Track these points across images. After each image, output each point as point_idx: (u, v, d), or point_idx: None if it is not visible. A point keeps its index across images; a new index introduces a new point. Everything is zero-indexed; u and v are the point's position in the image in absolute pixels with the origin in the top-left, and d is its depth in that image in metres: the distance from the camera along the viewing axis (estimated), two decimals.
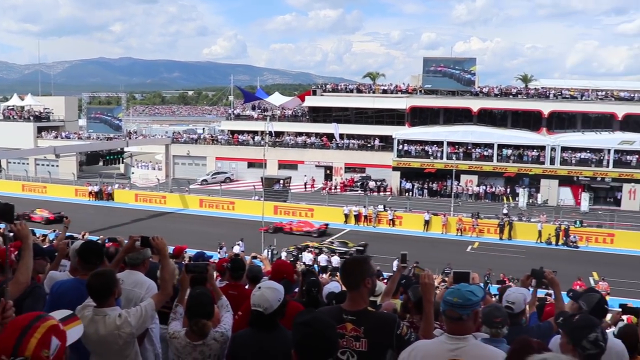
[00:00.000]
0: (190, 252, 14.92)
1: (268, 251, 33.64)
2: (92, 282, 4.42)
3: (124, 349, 4.44)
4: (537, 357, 1.65)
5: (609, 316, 6.44)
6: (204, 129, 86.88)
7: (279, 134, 64.28)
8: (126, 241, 5.75)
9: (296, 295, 7.07)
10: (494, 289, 21.07)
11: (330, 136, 61.79)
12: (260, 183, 51.86)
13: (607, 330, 4.14)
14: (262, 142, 59.69)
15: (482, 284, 23.36)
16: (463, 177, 55.31)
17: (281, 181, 54.16)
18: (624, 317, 7.96)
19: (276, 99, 70.38)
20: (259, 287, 4.35)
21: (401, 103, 62.67)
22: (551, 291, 6.51)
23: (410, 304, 5.60)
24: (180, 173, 65.94)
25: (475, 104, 60.68)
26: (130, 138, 70.01)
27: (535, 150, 55.11)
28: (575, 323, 3.81)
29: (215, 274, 6.46)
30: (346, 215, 45.97)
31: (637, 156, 53.14)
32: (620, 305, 6.17)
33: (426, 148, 57.12)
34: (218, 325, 4.75)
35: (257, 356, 4.19)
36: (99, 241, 9.32)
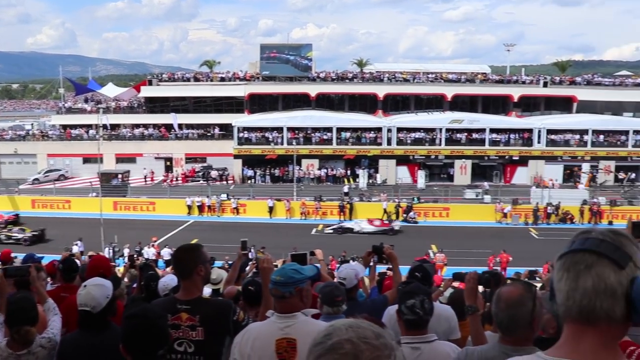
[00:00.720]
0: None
1: (109, 249, 31.74)
2: None
3: None
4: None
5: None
6: (32, 124, 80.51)
7: (114, 126, 60.99)
8: None
9: (135, 291, 7.05)
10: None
11: (168, 127, 59.62)
12: (97, 179, 49.00)
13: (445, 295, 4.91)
14: (97, 136, 56.18)
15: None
16: (304, 162, 55.45)
17: (119, 176, 51.63)
18: (455, 284, 8.61)
19: (110, 90, 66.99)
20: (85, 286, 4.13)
21: (239, 90, 61.80)
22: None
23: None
24: (7, 173, 60.55)
25: (313, 89, 61.13)
26: None
27: (372, 132, 56.40)
28: (400, 291, 4.04)
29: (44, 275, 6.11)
30: (189, 207, 44.62)
31: (466, 134, 56.08)
32: (453, 274, 5.96)
33: (266, 134, 56.61)
34: (44, 331, 4.30)
35: (88, 358, 3.92)
36: None
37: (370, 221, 40.17)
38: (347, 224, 40.20)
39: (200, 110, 62.95)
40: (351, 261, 26.91)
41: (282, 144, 55.74)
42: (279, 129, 56.27)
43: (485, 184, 50.87)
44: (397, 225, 40.27)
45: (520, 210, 43.27)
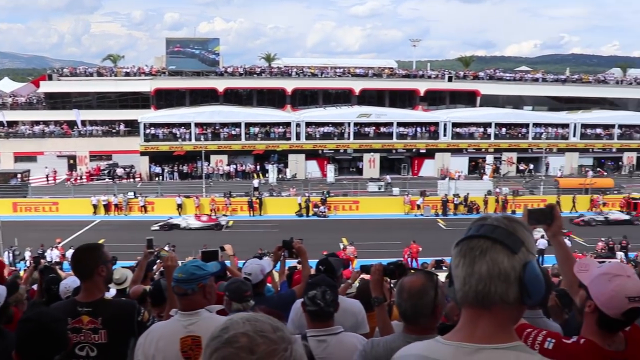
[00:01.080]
0: None
1: (9, 252, 30.32)
2: None
3: None
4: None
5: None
6: None
7: (12, 123, 58.19)
8: None
9: (35, 295, 6.80)
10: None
11: (71, 124, 57.39)
12: None
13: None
14: None
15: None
16: (213, 158, 54.68)
17: (19, 175, 49.44)
18: (364, 276, 8.37)
19: (6, 85, 64.19)
20: None
21: (145, 86, 60.20)
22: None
23: None
24: None
25: (220, 84, 60.37)
26: None
27: (281, 127, 56.32)
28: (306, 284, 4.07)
29: None
30: (95, 206, 43.16)
31: (374, 128, 56.94)
32: (361, 266, 6.16)
33: (174, 130, 55.34)
34: None
35: None
36: None
37: (198, 217, 40.16)
38: (175, 220, 39.57)
39: (105, 106, 60.74)
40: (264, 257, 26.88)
41: (190, 140, 54.74)
42: (187, 125, 55.23)
43: (388, 177, 51.88)
44: (223, 220, 40.26)
45: (430, 201, 44.43)
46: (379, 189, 48.29)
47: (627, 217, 41.98)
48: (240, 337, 1.47)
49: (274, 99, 62.55)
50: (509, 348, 1.67)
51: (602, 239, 33.90)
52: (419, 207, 43.84)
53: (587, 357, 2.47)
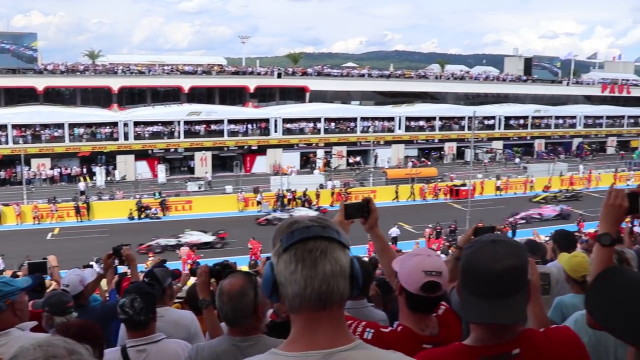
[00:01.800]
0: None
1: None
2: None
3: None
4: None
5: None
6: None
7: None
8: None
9: None
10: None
11: None
12: None
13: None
14: None
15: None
16: (34, 161, 51.30)
17: None
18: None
19: None
20: None
21: None
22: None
23: None
24: None
25: (40, 83, 56.68)
26: None
27: (108, 127, 54.10)
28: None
29: None
30: None
31: (204, 126, 56.53)
32: (190, 270, 6.10)
33: None
34: None
35: None
36: None
37: None
38: None
39: None
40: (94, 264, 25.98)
41: (7, 143, 50.96)
42: (3, 127, 51.24)
43: (208, 175, 52.01)
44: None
45: (269, 197, 45.01)
46: (199, 188, 48.05)
47: (210, 239, 35.63)
48: None
49: (99, 98, 59.92)
50: (354, 348, 1.69)
51: (430, 225, 36.24)
52: (259, 203, 44.24)
53: (403, 343, 2.58)
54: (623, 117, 76.18)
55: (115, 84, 58.96)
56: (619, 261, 4.18)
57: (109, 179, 51.66)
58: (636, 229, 8.61)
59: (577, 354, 2.22)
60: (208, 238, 35.21)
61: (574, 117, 72.83)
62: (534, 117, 70.20)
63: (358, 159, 60.70)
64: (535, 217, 40.52)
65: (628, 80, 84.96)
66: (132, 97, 62.14)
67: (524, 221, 38.79)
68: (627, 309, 1.39)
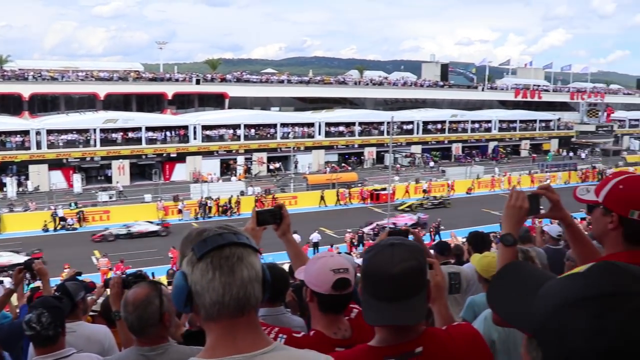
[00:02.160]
0: None
1: None
2: None
3: None
4: None
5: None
6: None
7: None
8: None
9: None
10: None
11: None
12: None
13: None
14: None
15: None
16: None
17: None
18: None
19: None
20: None
21: None
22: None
23: None
24: None
25: None
26: None
27: (19, 136, 51.79)
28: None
29: None
30: None
31: (121, 134, 55.08)
32: (104, 281, 6.01)
33: None
34: None
35: None
36: None
37: None
38: None
39: None
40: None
41: None
42: None
43: (119, 185, 50.80)
44: None
45: (191, 205, 44.46)
46: (110, 197, 46.94)
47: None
48: None
49: (8, 105, 57.50)
50: (273, 350, 1.71)
51: (349, 230, 36.56)
52: (180, 211, 43.64)
53: (316, 347, 2.46)
54: (535, 121, 79.24)
55: (25, 90, 56.70)
56: (524, 259, 4.34)
57: (20, 189, 49.61)
58: (546, 229, 9.04)
59: (478, 348, 2.30)
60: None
61: (489, 122, 75.25)
62: (451, 122, 72.03)
63: (278, 165, 60.67)
64: (390, 226, 40.87)
65: (539, 85, 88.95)
66: (44, 104, 60.09)
67: (372, 232, 36.93)
68: (523, 299, 1.46)
